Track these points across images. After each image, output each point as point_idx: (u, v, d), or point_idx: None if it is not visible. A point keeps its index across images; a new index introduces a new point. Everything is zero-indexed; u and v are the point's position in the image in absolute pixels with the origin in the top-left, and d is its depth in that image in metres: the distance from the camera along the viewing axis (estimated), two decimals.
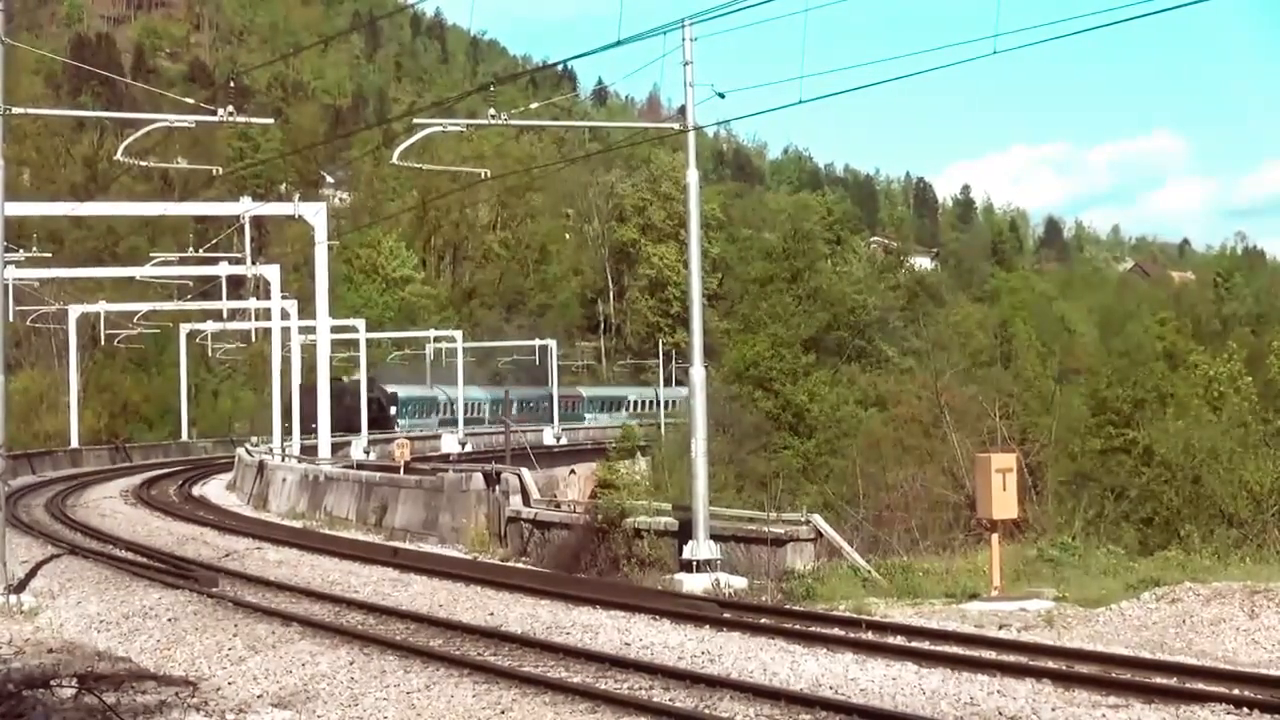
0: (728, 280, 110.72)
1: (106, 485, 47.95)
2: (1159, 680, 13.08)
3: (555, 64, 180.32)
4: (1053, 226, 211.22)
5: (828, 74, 19.18)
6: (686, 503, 23.02)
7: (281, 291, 54.84)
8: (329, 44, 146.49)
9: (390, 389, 78.94)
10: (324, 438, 46.19)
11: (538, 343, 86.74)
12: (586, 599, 19.12)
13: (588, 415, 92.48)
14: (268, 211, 53.27)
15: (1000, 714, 12.07)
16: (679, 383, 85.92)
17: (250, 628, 17.38)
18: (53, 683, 13.57)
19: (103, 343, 70.97)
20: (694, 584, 21.00)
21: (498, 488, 29.20)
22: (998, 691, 12.85)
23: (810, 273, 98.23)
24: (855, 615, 17.31)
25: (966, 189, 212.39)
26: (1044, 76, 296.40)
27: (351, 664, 14.88)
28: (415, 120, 29.18)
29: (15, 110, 24.06)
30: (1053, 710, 12.12)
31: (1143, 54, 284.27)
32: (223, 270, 56.73)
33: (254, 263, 55.57)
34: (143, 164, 40.42)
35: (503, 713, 12.49)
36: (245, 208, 48.20)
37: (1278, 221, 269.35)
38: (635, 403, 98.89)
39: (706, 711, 12.23)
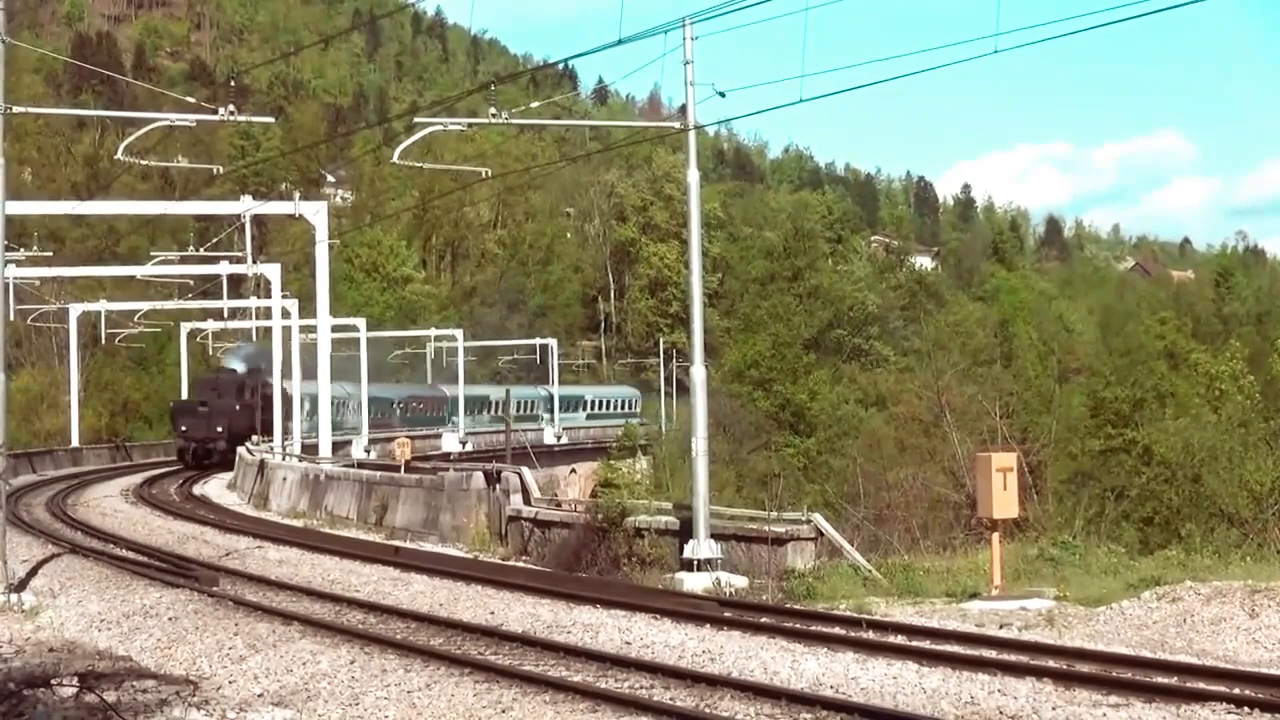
0: (728, 279, 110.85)
1: (107, 484, 47.92)
2: (1160, 679, 13.07)
3: (556, 63, 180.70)
4: (1053, 225, 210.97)
5: (828, 73, 19.21)
6: (687, 502, 23.01)
7: (282, 290, 54.79)
8: (329, 43, 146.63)
9: (284, 385, 54.87)
10: (325, 436, 46.19)
11: (538, 341, 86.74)
12: (587, 598, 19.11)
13: (453, 419, 77.10)
14: (268, 210, 53.19)
15: (1001, 713, 12.06)
16: (679, 383, 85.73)
17: (251, 627, 17.37)
18: (53, 682, 13.56)
19: (103, 342, 70.96)
20: (695, 583, 20.99)
21: (498, 487, 29.20)
22: (998, 691, 12.84)
23: (811, 271, 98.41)
24: (856, 614, 17.30)
25: (967, 188, 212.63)
26: (1046, 76, 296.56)
27: (352, 663, 14.87)
28: (416, 119, 29.18)
29: (16, 109, 24.06)
30: (1053, 709, 12.12)
31: (1144, 54, 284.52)
32: (223, 269, 56.71)
33: (255, 262, 55.52)
34: (143, 163, 40.37)
35: (503, 711, 12.48)
36: (246, 207, 48.13)
37: (1278, 221, 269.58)
38: (497, 403, 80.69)
39: (707, 711, 12.21)
